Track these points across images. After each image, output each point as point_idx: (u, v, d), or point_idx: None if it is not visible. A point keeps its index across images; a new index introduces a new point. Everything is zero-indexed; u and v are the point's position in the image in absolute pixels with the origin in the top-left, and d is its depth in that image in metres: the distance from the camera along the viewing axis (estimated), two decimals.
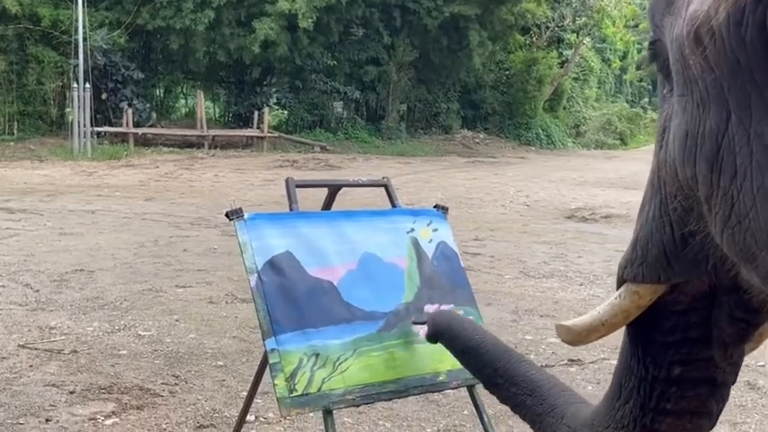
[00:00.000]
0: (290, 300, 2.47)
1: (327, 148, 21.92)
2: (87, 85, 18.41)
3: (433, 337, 2.00)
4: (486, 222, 10.87)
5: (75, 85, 18.44)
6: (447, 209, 2.95)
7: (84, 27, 18.61)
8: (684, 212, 1.19)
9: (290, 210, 2.62)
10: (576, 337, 1.43)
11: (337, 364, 2.45)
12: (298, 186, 2.66)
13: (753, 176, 1.00)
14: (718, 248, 1.13)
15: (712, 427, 1.41)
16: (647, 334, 1.36)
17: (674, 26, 1.12)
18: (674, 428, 1.37)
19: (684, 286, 1.29)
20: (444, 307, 2.67)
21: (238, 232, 2.50)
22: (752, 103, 0.99)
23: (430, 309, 2.67)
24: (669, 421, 1.37)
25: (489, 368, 1.76)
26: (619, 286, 1.37)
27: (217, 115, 25.98)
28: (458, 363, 2.68)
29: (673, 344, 1.33)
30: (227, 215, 2.54)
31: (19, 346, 4.87)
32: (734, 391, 4.39)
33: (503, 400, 1.76)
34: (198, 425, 3.79)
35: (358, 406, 2.75)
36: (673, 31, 1.13)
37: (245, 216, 2.53)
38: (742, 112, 1.01)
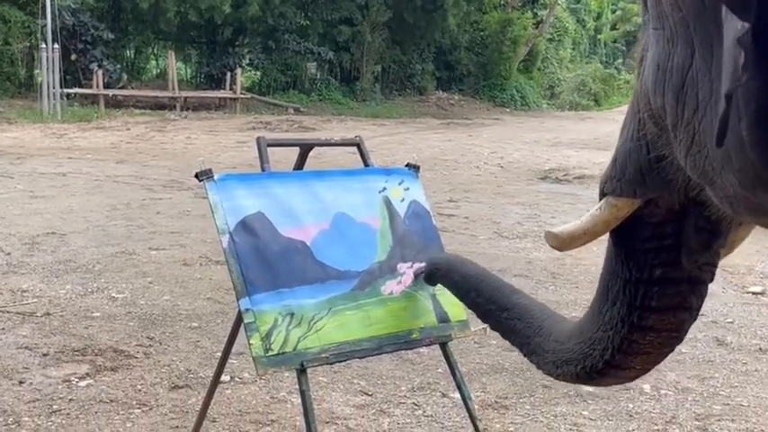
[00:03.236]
0: (264, 260, 2.46)
1: (301, 109, 21.76)
2: (56, 46, 18.04)
3: (430, 277, 2.05)
4: (460, 184, 10.90)
5: (44, 46, 18.06)
6: (418, 167, 2.95)
7: None
8: (655, 137, 1.28)
9: (262, 169, 2.61)
10: (562, 243, 1.55)
11: (312, 323, 2.46)
12: (269, 146, 2.64)
13: (711, 111, 1.06)
14: (683, 171, 1.22)
15: (693, 321, 1.53)
16: (629, 241, 1.47)
17: None
18: (659, 324, 1.48)
19: (658, 201, 1.40)
20: (417, 265, 2.69)
21: (209, 193, 2.49)
22: (713, 43, 1.05)
23: (403, 267, 2.68)
24: (654, 317, 1.47)
25: (482, 297, 1.83)
26: (600, 198, 1.48)
27: (188, 76, 25.63)
28: (431, 320, 2.72)
29: (652, 250, 1.44)
30: (196, 176, 2.52)
31: None
32: (702, 347, 4.46)
33: (494, 327, 1.83)
34: (173, 385, 3.80)
35: (332, 364, 2.77)
36: None
37: (216, 177, 2.51)
38: (704, 50, 1.07)
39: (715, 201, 1.16)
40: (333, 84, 24.61)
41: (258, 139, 2.63)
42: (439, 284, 2.54)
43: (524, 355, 1.78)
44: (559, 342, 1.66)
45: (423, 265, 2.58)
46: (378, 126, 19.40)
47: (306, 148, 2.82)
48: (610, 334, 1.52)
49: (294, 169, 2.82)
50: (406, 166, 2.93)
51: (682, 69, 1.12)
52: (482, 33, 28.26)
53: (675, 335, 1.51)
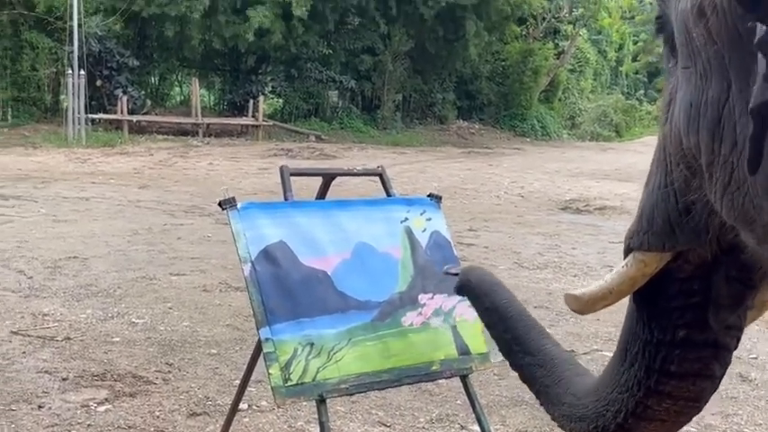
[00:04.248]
0: (285, 289, 2.47)
1: (322, 137, 21.88)
2: (82, 72, 18.33)
3: (461, 290, 1.95)
4: (480, 213, 10.88)
5: (70, 72, 18.35)
6: (440, 198, 2.95)
7: (79, 13, 18.51)
8: (686, 181, 1.23)
9: (285, 198, 2.62)
10: (585, 305, 1.47)
11: (332, 353, 2.45)
12: (292, 175, 2.65)
13: None
14: (718, 215, 1.18)
15: (714, 391, 1.45)
16: (652, 300, 1.41)
17: (678, 0, 1.17)
18: (677, 390, 1.41)
19: (687, 254, 1.34)
20: (438, 296, 2.68)
21: (231, 221, 2.50)
22: (749, 74, 1.03)
23: (424, 298, 2.67)
24: (673, 383, 1.40)
25: (509, 333, 1.77)
26: (626, 255, 1.41)
27: (211, 103, 25.90)
28: (451, 352, 2.71)
29: (677, 309, 1.38)
30: (219, 204, 2.53)
31: (12, 332, 4.86)
32: (726, 383, 4.38)
33: (514, 368, 1.79)
34: (191, 412, 3.79)
35: (352, 395, 2.75)
36: (678, 5, 1.18)
37: (238, 205, 2.53)
38: (741, 82, 1.05)
39: (752, 244, 1.12)
40: (354, 112, 24.76)
41: (281, 168, 2.64)
42: (460, 317, 2.53)
43: (540, 404, 1.73)
44: (576, 397, 1.60)
45: (457, 268, 2.45)
46: (398, 154, 19.45)
47: (328, 178, 2.83)
48: (625, 396, 1.46)
49: (317, 198, 2.83)
50: (428, 196, 2.93)
51: (717, 104, 1.10)
52: (503, 63, 28.38)
53: (693, 404, 1.44)
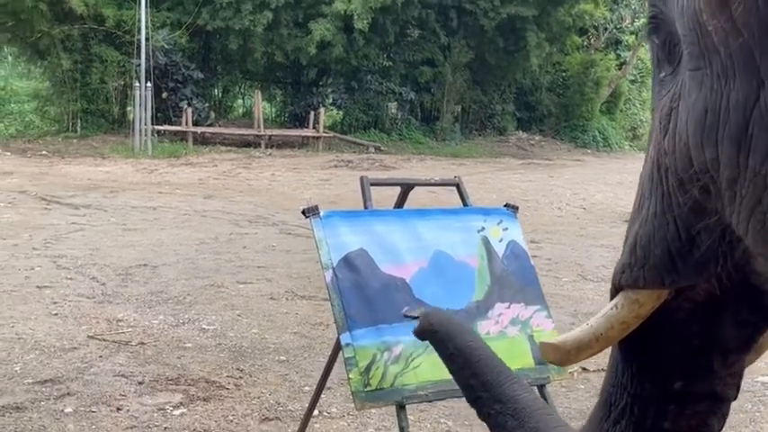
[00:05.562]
0: (364, 296, 2.51)
1: (381, 148, 21.99)
2: (148, 85, 18.78)
3: (423, 334, 1.83)
4: (542, 225, 10.80)
5: (137, 84, 18.82)
6: (517, 208, 2.96)
7: (146, 27, 18.98)
8: (694, 206, 1.07)
9: (365, 207, 2.67)
10: (566, 355, 1.28)
11: (410, 360, 2.48)
12: (372, 185, 2.70)
13: None
14: (731, 243, 1.03)
15: None
16: (642, 347, 1.23)
17: None
18: None
19: (689, 291, 1.16)
20: (515, 305, 2.69)
21: (314, 229, 2.55)
22: None
23: (500, 307, 2.69)
24: None
25: (477, 379, 1.60)
26: (614, 295, 1.24)
27: (273, 115, 26.24)
28: (528, 362, 2.71)
29: (672, 356, 1.21)
30: (303, 212, 2.59)
31: (88, 336, 5.01)
32: None
33: (483, 417, 1.61)
34: (263, 417, 3.86)
35: (431, 401, 2.78)
36: None
37: (321, 213, 2.58)
38: None
39: None
40: (413, 123, 24.82)
41: (362, 177, 2.69)
42: (537, 327, 2.53)
43: None
44: None
45: (416, 311, 2.25)
46: (457, 165, 19.41)
47: (407, 188, 2.87)
48: None
49: (395, 207, 2.88)
50: (505, 206, 2.95)
51: (743, 108, 0.94)
52: (564, 74, 28.14)
53: None
